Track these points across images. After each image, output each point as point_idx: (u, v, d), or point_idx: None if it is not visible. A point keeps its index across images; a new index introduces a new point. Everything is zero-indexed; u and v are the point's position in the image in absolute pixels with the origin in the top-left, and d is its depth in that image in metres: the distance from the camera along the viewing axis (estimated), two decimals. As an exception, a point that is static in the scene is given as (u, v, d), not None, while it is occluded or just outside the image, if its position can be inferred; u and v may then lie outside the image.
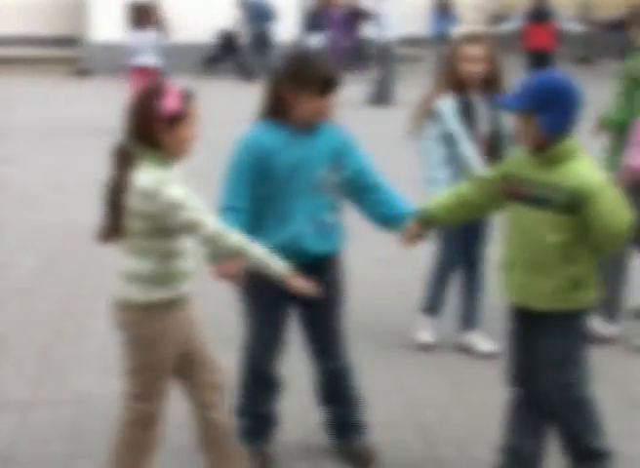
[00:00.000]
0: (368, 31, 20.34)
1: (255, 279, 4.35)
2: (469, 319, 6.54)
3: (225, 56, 21.59)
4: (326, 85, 4.45)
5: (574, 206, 4.18)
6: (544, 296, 4.31)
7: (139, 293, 4.12)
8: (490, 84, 6.06)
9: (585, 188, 4.15)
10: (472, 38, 6.20)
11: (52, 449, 4.96)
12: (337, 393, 4.91)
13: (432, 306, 6.55)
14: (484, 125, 6.13)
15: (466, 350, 6.42)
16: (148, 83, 4.12)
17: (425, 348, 6.43)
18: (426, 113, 6.18)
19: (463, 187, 4.66)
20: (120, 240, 4.12)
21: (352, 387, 4.93)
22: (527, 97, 4.22)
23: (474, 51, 6.05)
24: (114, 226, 4.09)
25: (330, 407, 4.95)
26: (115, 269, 4.20)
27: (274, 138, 4.47)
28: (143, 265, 4.09)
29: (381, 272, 7.90)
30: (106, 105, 15.51)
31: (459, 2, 21.58)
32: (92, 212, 9.47)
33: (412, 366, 6.16)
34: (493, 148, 6.11)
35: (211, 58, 21.57)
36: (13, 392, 5.64)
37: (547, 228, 4.23)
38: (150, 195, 3.98)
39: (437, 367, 6.17)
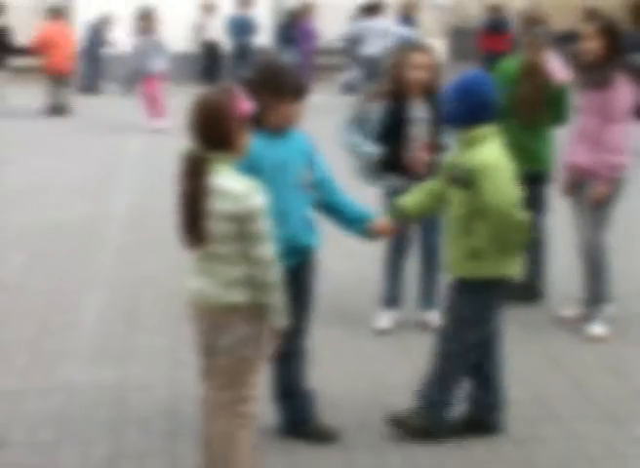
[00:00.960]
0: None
1: None
2: (428, 298, 6.78)
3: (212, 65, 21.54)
4: (298, 92, 4.66)
5: (470, 182, 4.78)
6: (451, 265, 4.96)
7: (241, 296, 4.10)
8: (430, 90, 6.40)
9: (479, 167, 4.76)
10: (419, 48, 6.52)
11: (42, 435, 5.07)
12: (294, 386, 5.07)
13: (391, 297, 6.76)
14: (422, 127, 6.41)
15: (426, 327, 6.62)
16: (214, 87, 4.20)
17: (383, 333, 6.62)
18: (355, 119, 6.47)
19: (430, 182, 5.22)
20: (204, 244, 4.08)
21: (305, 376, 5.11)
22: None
23: (421, 59, 6.36)
24: (197, 232, 4.04)
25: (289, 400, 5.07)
26: (198, 273, 4.18)
27: (256, 140, 4.47)
28: (236, 269, 4.09)
29: (347, 265, 8.07)
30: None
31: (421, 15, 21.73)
32: (75, 211, 9.71)
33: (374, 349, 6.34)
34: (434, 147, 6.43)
35: (206, 67, 21.41)
36: (4, 382, 5.74)
37: (456, 204, 4.88)
38: (241, 198, 3.98)
39: (399, 348, 6.36)
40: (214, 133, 4.00)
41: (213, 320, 4.18)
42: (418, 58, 6.36)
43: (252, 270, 4.07)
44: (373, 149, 6.41)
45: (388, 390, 5.68)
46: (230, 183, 4.00)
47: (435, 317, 6.65)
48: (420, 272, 6.82)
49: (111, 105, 18.09)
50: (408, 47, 6.61)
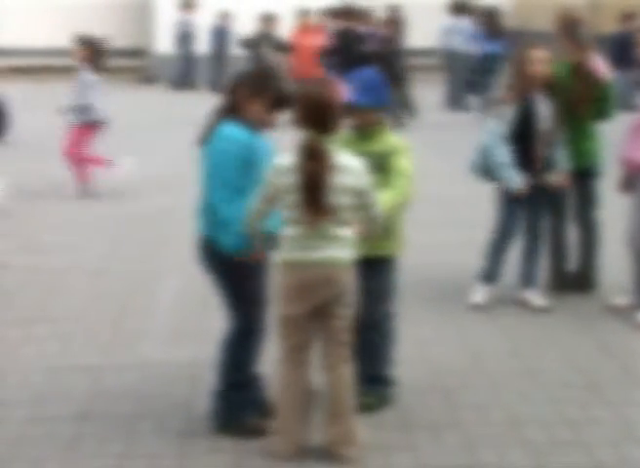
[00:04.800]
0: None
1: None
2: (528, 277, 6.76)
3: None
4: (280, 101, 4.62)
5: (383, 164, 4.89)
6: (367, 244, 4.79)
7: (355, 255, 4.50)
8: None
9: (390, 149, 4.94)
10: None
11: (120, 410, 5.10)
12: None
13: (489, 275, 6.74)
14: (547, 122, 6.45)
15: (523, 305, 6.67)
16: (311, 77, 4.46)
17: (477, 309, 6.62)
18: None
19: None
20: (327, 217, 4.34)
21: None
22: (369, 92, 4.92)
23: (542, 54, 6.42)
24: (323, 206, 4.31)
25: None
26: (319, 243, 4.41)
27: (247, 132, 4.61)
28: (351, 232, 4.47)
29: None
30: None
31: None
32: (156, 201, 9.76)
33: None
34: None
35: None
36: (86, 358, 5.80)
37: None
38: (363, 173, 4.40)
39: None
40: (326, 120, 4.32)
41: (341, 280, 4.46)
42: (539, 54, 6.39)
43: (370, 228, 4.57)
44: (517, 179, 6.40)
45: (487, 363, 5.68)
46: (349, 161, 4.39)
47: (534, 295, 6.68)
48: (524, 252, 6.80)
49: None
50: (528, 43, 6.62)
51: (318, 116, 4.32)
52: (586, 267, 7.04)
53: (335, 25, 15.52)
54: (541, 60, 6.39)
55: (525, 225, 6.76)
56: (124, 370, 5.62)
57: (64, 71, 21.06)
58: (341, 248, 4.44)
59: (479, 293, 6.72)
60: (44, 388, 5.39)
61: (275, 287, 4.58)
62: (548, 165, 6.55)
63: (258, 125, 4.63)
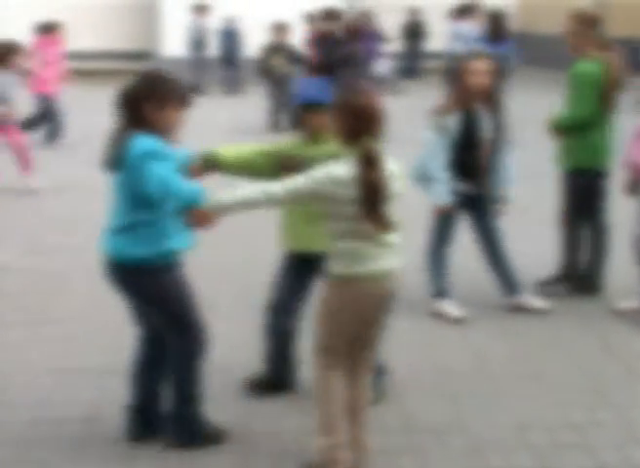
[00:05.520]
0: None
1: None
2: (511, 284, 6.72)
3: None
4: (184, 100, 4.53)
5: None
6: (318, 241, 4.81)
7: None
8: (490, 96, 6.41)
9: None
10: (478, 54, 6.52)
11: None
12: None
13: (440, 290, 6.67)
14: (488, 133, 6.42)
15: (521, 310, 6.65)
16: (354, 85, 4.48)
17: (460, 322, 6.51)
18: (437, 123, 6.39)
19: (254, 151, 5.04)
20: (392, 226, 4.27)
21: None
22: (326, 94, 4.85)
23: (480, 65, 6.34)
24: (384, 214, 4.21)
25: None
26: (386, 252, 4.32)
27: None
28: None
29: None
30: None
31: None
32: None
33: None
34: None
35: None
36: (92, 360, 5.79)
37: None
38: (403, 178, 4.43)
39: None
40: (377, 127, 4.22)
41: (395, 289, 4.41)
42: (479, 65, 6.33)
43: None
44: (446, 197, 6.39)
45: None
46: (394, 166, 4.33)
47: (531, 298, 6.73)
48: (488, 262, 6.76)
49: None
50: (470, 54, 6.59)
51: (370, 124, 4.19)
52: (593, 270, 7.04)
53: (314, 29, 15.67)
54: (482, 72, 6.32)
55: (477, 236, 6.73)
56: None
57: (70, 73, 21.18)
58: (398, 256, 4.38)
59: (451, 308, 6.62)
60: (49, 390, 5.39)
61: (326, 302, 4.37)
62: (492, 173, 6.55)
63: (166, 132, 4.46)
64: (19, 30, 17.96)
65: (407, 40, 23.14)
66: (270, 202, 4.30)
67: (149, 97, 4.38)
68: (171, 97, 4.43)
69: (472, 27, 17.50)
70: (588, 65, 6.70)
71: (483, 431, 4.94)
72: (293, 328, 5.22)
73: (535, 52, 22.39)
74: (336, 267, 4.28)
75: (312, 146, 4.96)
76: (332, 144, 4.74)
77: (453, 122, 6.34)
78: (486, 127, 6.42)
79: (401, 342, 6.11)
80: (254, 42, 17.65)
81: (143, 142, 4.33)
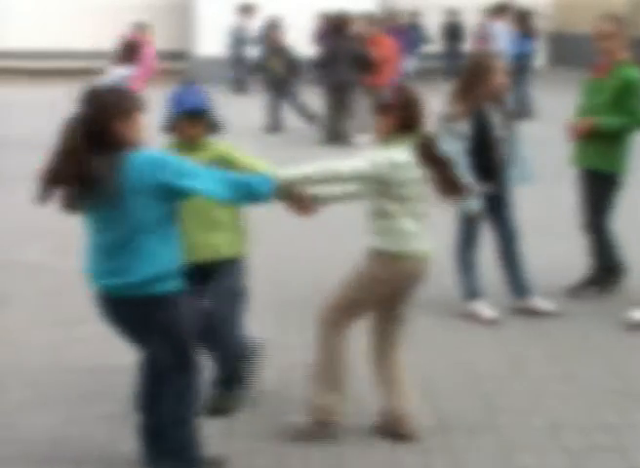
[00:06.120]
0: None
1: None
2: (521, 285, 6.66)
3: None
4: (142, 106, 4.36)
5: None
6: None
7: None
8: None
9: (223, 153, 4.90)
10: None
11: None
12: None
13: (471, 291, 6.64)
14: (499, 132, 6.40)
15: (530, 313, 6.60)
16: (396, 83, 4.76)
17: (492, 323, 6.49)
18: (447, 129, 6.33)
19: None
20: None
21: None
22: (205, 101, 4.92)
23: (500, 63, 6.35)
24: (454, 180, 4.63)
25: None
26: (423, 232, 4.71)
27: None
28: None
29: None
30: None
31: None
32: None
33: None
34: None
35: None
36: (130, 359, 5.80)
37: None
38: None
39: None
40: (423, 116, 4.70)
41: (428, 270, 4.81)
42: (500, 63, 6.33)
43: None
44: (474, 206, 6.38)
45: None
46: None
47: (541, 301, 6.66)
48: (503, 260, 6.71)
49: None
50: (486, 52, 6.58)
51: (422, 114, 4.69)
52: (610, 265, 7.03)
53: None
54: (502, 70, 6.31)
55: (494, 234, 6.69)
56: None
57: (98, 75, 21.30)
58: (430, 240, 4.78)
59: (483, 308, 6.59)
60: (88, 388, 5.45)
61: (367, 274, 4.70)
62: (508, 171, 6.52)
63: (133, 146, 4.21)
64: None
65: (446, 41, 23.09)
66: (335, 179, 4.56)
67: (117, 114, 4.09)
68: (135, 106, 4.21)
69: (504, 27, 17.45)
70: (635, 71, 6.67)
71: (516, 432, 4.93)
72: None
73: (569, 51, 22.28)
74: (383, 243, 4.64)
75: (188, 153, 4.74)
76: (208, 151, 4.84)
77: (466, 125, 6.27)
78: (497, 125, 6.38)
79: (434, 343, 6.12)
80: (296, 41, 17.65)
81: (155, 158, 4.11)
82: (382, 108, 4.68)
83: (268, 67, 15.60)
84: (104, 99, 4.11)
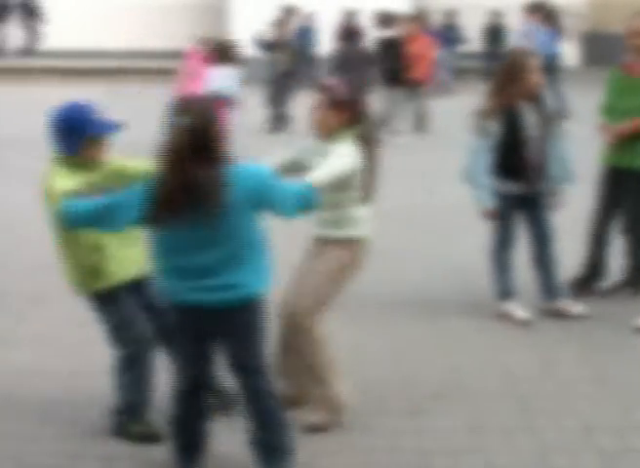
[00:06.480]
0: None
1: None
2: (552, 286, 6.63)
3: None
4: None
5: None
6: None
7: None
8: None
9: (119, 167, 4.73)
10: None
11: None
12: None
13: (504, 291, 6.61)
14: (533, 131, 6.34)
15: (557, 315, 6.56)
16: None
17: (525, 324, 6.47)
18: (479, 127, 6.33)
19: None
20: None
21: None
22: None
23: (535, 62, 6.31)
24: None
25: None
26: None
27: None
28: None
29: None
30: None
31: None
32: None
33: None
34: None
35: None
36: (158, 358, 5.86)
37: None
38: None
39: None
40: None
41: None
42: (535, 62, 6.30)
43: None
44: (487, 203, 6.35)
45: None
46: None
47: (570, 303, 6.62)
48: (535, 261, 6.66)
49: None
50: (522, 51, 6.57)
51: (362, 112, 4.91)
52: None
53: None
54: (537, 69, 6.28)
55: (529, 235, 6.63)
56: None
57: (140, 73, 21.38)
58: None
59: (517, 309, 6.57)
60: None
61: (336, 262, 4.90)
62: (543, 171, 6.44)
63: (230, 159, 4.23)
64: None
65: (487, 42, 22.89)
66: (338, 181, 4.74)
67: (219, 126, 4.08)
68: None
69: (538, 26, 17.35)
70: None
71: (549, 433, 4.94)
72: None
73: (604, 51, 22.10)
74: (344, 231, 4.89)
75: (83, 174, 4.58)
76: (103, 169, 4.66)
77: (496, 123, 6.25)
78: (531, 124, 6.33)
79: (467, 344, 6.13)
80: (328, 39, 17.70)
81: (257, 171, 4.16)
82: (337, 104, 4.80)
83: (273, 61, 15.41)
84: (211, 111, 4.06)
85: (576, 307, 6.62)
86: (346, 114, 4.81)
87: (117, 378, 4.91)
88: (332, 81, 4.96)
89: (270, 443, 4.41)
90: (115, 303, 4.80)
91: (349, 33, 15.77)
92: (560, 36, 17.25)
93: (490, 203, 6.35)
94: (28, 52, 24.44)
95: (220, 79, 11.18)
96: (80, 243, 4.64)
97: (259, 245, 4.18)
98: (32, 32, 24.65)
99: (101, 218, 4.17)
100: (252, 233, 4.14)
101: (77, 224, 4.30)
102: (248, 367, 4.36)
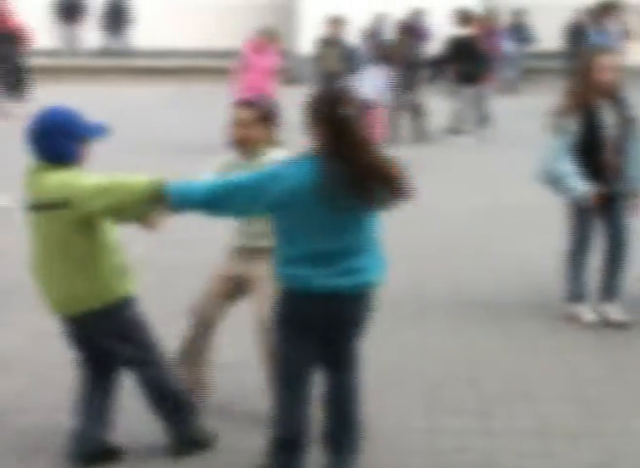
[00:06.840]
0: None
1: None
2: (609, 290, 6.50)
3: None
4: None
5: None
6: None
7: None
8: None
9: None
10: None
11: (259, 406, 5.14)
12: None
13: (577, 294, 6.52)
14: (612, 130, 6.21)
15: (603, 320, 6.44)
16: None
17: (591, 326, 6.39)
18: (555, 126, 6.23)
19: None
20: None
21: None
22: None
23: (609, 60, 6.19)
24: None
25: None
26: None
27: None
28: None
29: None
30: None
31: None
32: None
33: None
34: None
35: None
36: (230, 355, 5.83)
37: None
38: None
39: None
40: None
41: None
42: (607, 60, 6.17)
43: None
44: (582, 187, 6.18)
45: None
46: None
47: (614, 310, 6.45)
48: (605, 263, 6.53)
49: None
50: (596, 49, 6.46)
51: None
52: None
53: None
54: (609, 67, 6.13)
55: (605, 235, 6.48)
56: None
57: (206, 73, 21.47)
58: None
59: (585, 312, 6.48)
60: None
61: None
62: (621, 173, 6.30)
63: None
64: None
65: (568, 41, 22.57)
66: None
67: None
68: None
69: (612, 25, 17.16)
70: None
71: (616, 437, 4.87)
72: None
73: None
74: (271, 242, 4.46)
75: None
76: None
77: (574, 122, 6.16)
78: (610, 124, 6.22)
79: (535, 345, 6.08)
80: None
81: None
82: (265, 119, 4.87)
83: (321, 61, 15.14)
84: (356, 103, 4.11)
85: (619, 315, 6.45)
86: (271, 129, 4.89)
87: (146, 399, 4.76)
88: (255, 97, 5.06)
89: (345, 441, 4.36)
90: (136, 306, 4.70)
91: (410, 32, 15.66)
92: (627, 35, 17.05)
93: (584, 188, 6.17)
94: (107, 52, 24.63)
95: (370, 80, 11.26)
96: (100, 244, 4.41)
97: (376, 232, 4.24)
98: (116, 34, 24.73)
99: (218, 201, 4.15)
100: (375, 220, 4.21)
101: (185, 206, 4.21)
102: (347, 361, 4.33)
